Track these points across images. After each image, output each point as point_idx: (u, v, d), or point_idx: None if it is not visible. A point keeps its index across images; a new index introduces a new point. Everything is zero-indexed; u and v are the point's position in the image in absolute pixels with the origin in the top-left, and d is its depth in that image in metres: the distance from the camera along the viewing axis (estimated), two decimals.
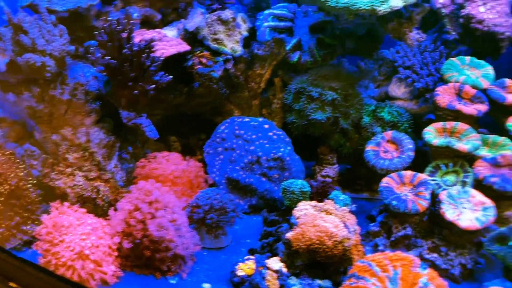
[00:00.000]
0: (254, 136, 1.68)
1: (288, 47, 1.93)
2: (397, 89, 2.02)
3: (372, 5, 1.51)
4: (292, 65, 1.96)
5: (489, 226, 1.34)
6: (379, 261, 1.14)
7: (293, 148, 1.72)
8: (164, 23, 1.91)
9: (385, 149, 1.61)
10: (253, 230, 1.53)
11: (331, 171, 1.82)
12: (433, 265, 1.39)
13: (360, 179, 1.87)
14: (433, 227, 1.44)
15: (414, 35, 1.65)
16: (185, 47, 1.75)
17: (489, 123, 1.82)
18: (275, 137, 1.68)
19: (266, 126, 1.73)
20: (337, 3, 1.54)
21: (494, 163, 1.46)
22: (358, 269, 1.14)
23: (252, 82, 1.83)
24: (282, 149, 1.64)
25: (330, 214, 1.34)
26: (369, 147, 1.62)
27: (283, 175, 1.64)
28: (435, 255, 1.40)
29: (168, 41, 1.73)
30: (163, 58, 1.61)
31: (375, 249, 1.46)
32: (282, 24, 1.99)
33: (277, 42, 1.83)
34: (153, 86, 1.57)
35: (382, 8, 1.51)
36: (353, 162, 1.89)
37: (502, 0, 1.87)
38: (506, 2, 1.88)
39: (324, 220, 1.29)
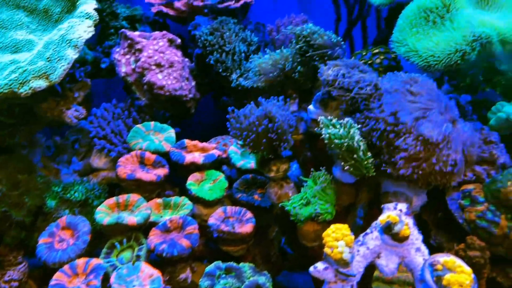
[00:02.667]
0: None
1: None
2: (98, 160, 1.95)
3: (10, 88, 1.38)
4: None
5: None
6: None
7: None
8: None
9: (60, 238, 1.46)
10: None
11: (16, 273, 1.56)
12: None
13: None
14: None
15: (72, 113, 1.60)
16: None
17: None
18: None
19: None
20: None
21: (165, 229, 1.50)
22: None
23: None
24: None
25: None
26: (41, 240, 1.44)
27: None
28: None
29: None
30: None
31: None
32: None
33: None
34: None
35: (23, 91, 1.39)
36: None
37: (177, 66, 2.05)
38: (181, 67, 2.07)
39: None
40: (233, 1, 2.21)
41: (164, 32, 2.07)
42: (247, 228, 1.58)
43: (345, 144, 1.29)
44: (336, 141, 1.31)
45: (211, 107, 2.42)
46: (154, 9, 2.20)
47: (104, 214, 1.48)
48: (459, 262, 1.08)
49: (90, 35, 1.50)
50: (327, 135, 1.32)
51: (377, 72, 1.83)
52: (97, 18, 1.55)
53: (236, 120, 1.45)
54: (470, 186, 1.71)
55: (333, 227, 1.12)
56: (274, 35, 2.15)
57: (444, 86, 1.93)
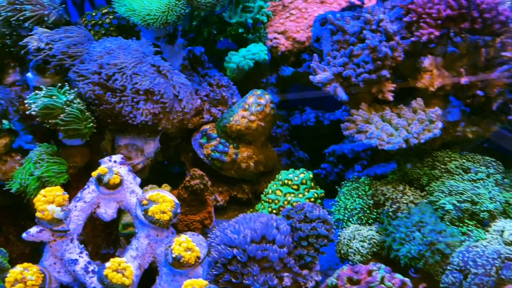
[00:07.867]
0: None
1: None
2: None
3: None
4: None
5: None
6: None
7: None
8: None
9: None
10: None
11: None
12: None
13: None
14: None
15: None
16: None
17: None
18: None
19: None
20: None
21: None
22: None
23: None
24: None
25: None
26: None
27: None
28: None
29: None
30: None
31: None
32: None
33: None
34: None
35: None
36: None
37: None
38: None
39: None
40: None
41: None
42: None
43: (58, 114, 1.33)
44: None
45: None
46: None
47: None
48: (162, 193, 1.30)
49: None
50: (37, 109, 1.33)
51: (109, 32, 1.88)
52: None
53: None
54: (207, 126, 2.01)
55: (43, 191, 1.18)
56: None
57: (179, 40, 2.12)
